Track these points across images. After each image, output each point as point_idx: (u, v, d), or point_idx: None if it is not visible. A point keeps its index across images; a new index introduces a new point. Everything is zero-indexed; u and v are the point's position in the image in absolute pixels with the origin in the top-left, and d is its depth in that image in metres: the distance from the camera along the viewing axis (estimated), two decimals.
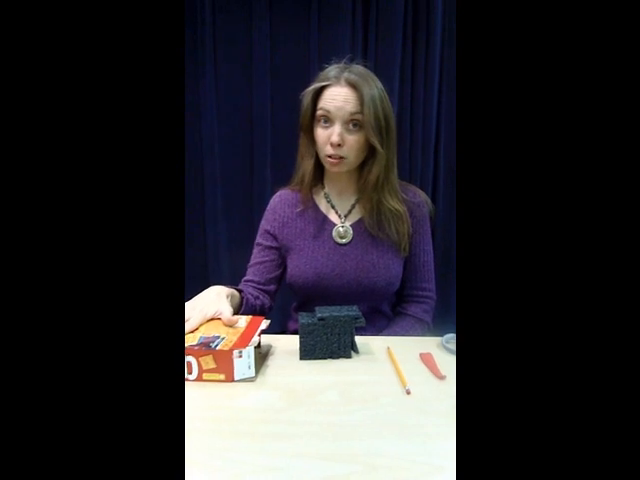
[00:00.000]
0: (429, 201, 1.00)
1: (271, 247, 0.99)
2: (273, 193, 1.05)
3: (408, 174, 1.48)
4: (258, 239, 1.01)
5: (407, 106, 1.50)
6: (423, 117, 1.50)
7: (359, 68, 0.89)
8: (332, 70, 0.88)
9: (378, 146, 0.87)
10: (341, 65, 0.89)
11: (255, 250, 1.01)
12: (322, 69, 0.91)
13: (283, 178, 1.05)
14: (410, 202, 0.96)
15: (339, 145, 0.85)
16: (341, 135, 0.84)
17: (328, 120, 0.86)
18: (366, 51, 1.46)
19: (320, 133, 0.87)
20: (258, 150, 1.53)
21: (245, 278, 1.00)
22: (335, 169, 0.89)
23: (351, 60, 0.91)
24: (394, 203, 0.91)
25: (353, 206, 0.97)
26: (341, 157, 0.87)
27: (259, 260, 0.99)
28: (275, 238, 0.98)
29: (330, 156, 0.87)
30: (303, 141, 0.93)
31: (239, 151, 1.54)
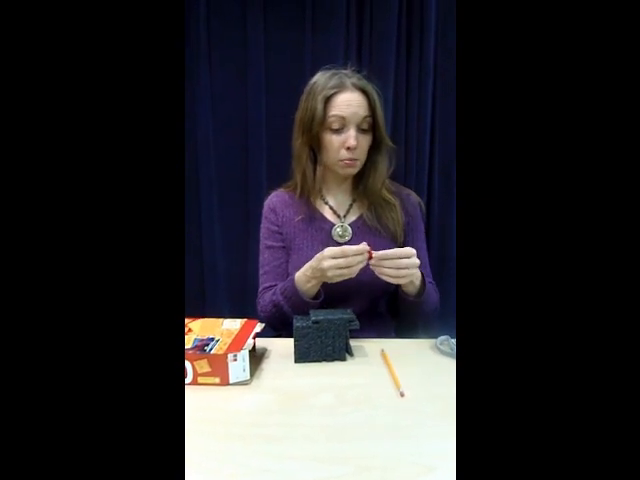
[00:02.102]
0: (422, 204, 1.04)
1: (282, 247, 0.98)
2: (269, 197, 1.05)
3: (403, 179, 1.48)
4: (267, 242, 0.99)
5: (402, 112, 1.51)
6: (417, 123, 1.51)
7: (354, 73, 0.92)
8: (333, 77, 0.90)
9: (389, 141, 0.94)
10: (336, 71, 0.91)
11: (267, 254, 0.98)
12: (313, 76, 0.93)
13: (278, 182, 1.06)
14: (404, 199, 1.00)
15: (355, 148, 0.88)
16: (357, 138, 0.88)
17: (341, 126, 0.88)
18: (360, 57, 1.47)
19: (333, 139, 0.89)
20: (253, 154, 1.53)
21: (266, 285, 0.96)
22: (349, 171, 0.93)
23: (343, 66, 0.94)
24: (387, 194, 0.98)
25: (351, 205, 0.99)
26: (354, 159, 0.90)
27: (277, 263, 0.97)
28: (282, 237, 0.99)
29: (343, 160, 0.90)
30: (304, 148, 0.93)
31: (234, 155, 1.54)
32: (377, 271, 0.77)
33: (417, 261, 0.77)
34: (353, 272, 0.77)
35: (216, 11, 1.47)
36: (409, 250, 0.76)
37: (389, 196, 0.97)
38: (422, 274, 0.87)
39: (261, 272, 0.99)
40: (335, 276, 0.78)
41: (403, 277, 0.77)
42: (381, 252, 0.76)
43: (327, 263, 0.77)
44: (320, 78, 0.91)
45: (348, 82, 0.89)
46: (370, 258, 0.76)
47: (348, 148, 0.88)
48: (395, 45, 1.47)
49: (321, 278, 0.82)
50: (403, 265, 0.75)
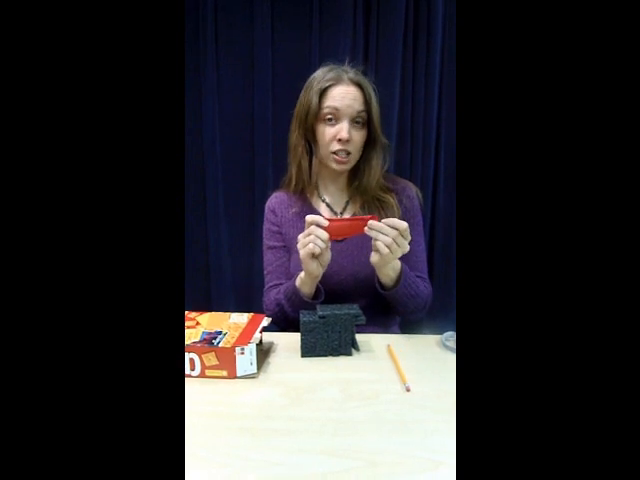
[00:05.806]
0: (420, 194, 1.03)
1: (284, 247, 1.00)
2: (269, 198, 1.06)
3: (409, 174, 1.48)
4: (269, 242, 1.01)
5: (408, 107, 1.50)
6: (424, 118, 1.51)
7: (352, 68, 0.93)
8: (330, 71, 0.91)
9: (384, 138, 0.94)
10: (334, 66, 0.93)
11: (269, 254, 1.01)
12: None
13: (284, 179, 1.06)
14: (400, 192, 0.99)
15: (347, 141, 0.88)
16: (349, 132, 0.88)
17: (334, 118, 0.89)
18: (367, 53, 1.47)
19: (327, 131, 0.90)
20: (259, 151, 1.53)
21: (271, 284, 0.98)
22: (342, 167, 0.93)
23: (343, 61, 0.95)
24: (381, 192, 0.97)
25: (347, 202, 1.00)
26: (347, 154, 0.90)
27: (279, 263, 0.99)
28: (282, 237, 1.00)
29: (336, 153, 0.90)
30: (299, 140, 0.94)
31: (240, 152, 1.54)
32: (371, 234, 0.77)
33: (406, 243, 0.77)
34: (316, 241, 0.77)
35: (223, 9, 1.47)
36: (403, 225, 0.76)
37: (384, 194, 0.97)
38: (401, 273, 0.85)
39: (265, 272, 1.01)
40: (305, 252, 0.78)
41: (390, 246, 0.76)
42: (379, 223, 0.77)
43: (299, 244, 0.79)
44: (318, 73, 0.93)
45: (345, 76, 0.90)
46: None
47: (340, 140, 0.88)
48: (402, 42, 1.46)
49: (306, 269, 0.82)
50: (393, 235, 0.75)
